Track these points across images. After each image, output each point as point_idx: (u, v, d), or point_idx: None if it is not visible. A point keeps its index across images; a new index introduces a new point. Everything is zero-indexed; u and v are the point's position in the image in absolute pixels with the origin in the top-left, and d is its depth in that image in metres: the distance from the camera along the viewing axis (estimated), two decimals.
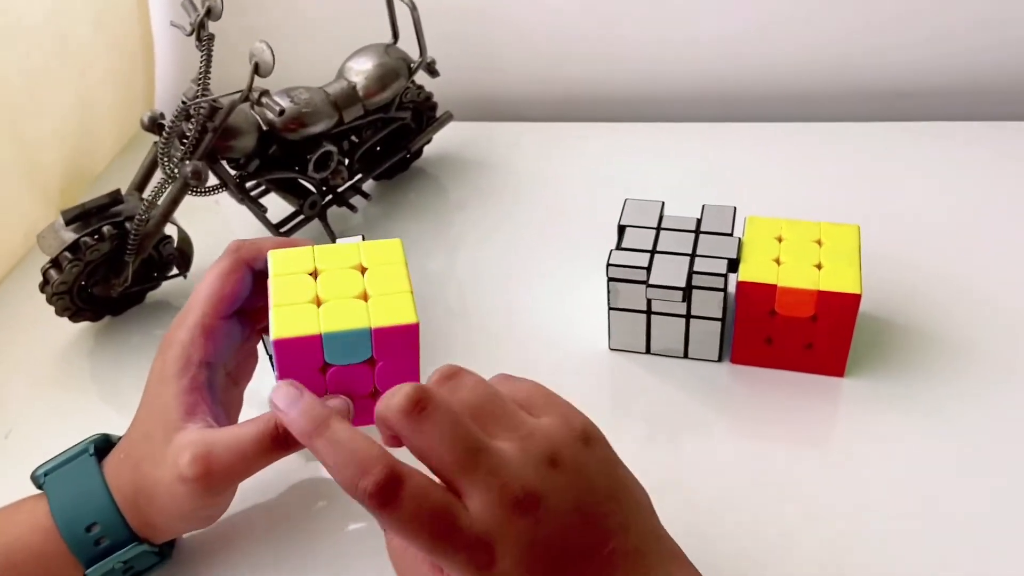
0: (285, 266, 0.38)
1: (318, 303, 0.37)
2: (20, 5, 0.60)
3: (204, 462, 0.35)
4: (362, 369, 0.37)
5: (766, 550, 0.40)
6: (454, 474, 0.29)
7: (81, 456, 0.39)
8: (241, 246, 0.40)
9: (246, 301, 0.41)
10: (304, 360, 0.36)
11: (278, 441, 0.35)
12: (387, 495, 0.28)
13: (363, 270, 0.38)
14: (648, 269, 0.46)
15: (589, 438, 0.32)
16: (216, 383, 0.39)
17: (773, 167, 0.65)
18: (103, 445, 0.40)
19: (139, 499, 0.37)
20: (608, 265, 0.47)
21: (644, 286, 0.46)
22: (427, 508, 0.28)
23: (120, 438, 0.41)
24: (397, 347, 0.37)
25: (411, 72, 0.61)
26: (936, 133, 0.66)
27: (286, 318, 0.36)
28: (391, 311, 0.36)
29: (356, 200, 0.63)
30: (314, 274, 0.38)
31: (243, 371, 0.43)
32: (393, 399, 0.30)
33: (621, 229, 0.49)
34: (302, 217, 0.59)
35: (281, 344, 0.35)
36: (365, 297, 0.37)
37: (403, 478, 0.28)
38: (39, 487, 0.39)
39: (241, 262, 0.40)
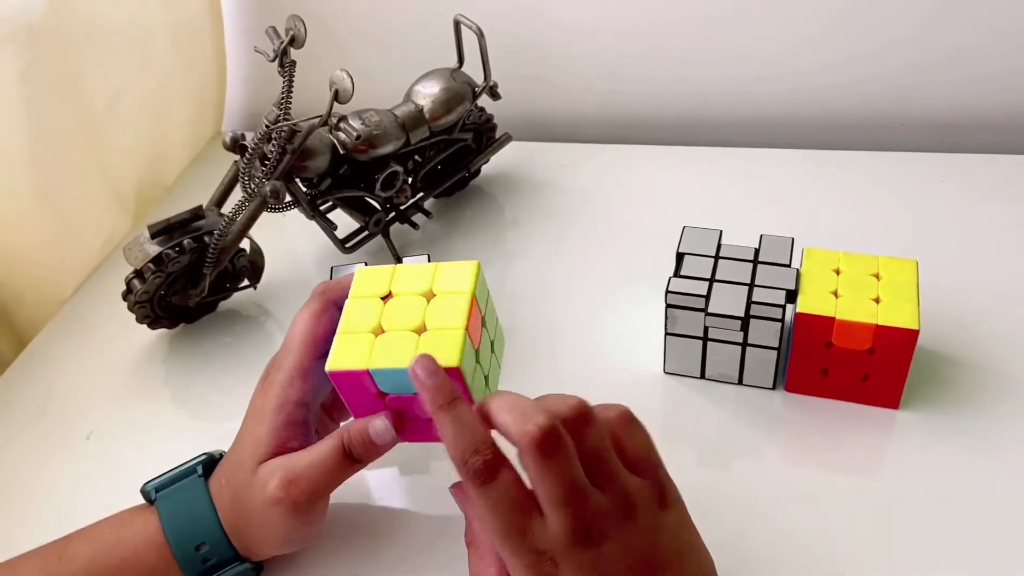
0: (365, 285, 0.41)
1: (379, 332, 0.39)
2: (105, 25, 0.63)
3: (291, 482, 0.38)
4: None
5: None
6: (549, 501, 0.33)
7: (190, 476, 0.41)
8: (327, 288, 0.42)
9: None
10: (360, 388, 0.39)
11: (349, 456, 0.39)
12: (488, 475, 0.33)
13: (431, 296, 0.40)
14: (707, 297, 0.47)
15: (669, 504, 0.35)
16: (311, 420, 0.42)
17: (831, 196, 0.66)
18: (209, 464, 0.42)
19: (239, 524, 0.40)
20: (667, 292, 0.48)
21: (702, 314, 0.47)
22: (512, 500, 0.33)
23: (222, 454, 0.43)
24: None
25: (475, 96, 0.63)
26: (997, 166, 0.66)
27: (342, 350, 0.38)
28: (438, 351, 0.37)
29: (417, 217, 0.65)
30: (387, 297, 0.40)
31: (337, 404, 0.45)
32: (527, 426, 0.33)
33: (680, 256, 0.51)
34: (366, 233, 0.62)
35: (334, 375, 0.38)
36: (423, 329, 0.38)
37: (504, 467, 0.33)
38: (148, 500, 0.41)
39: (329, 303, 0.42)
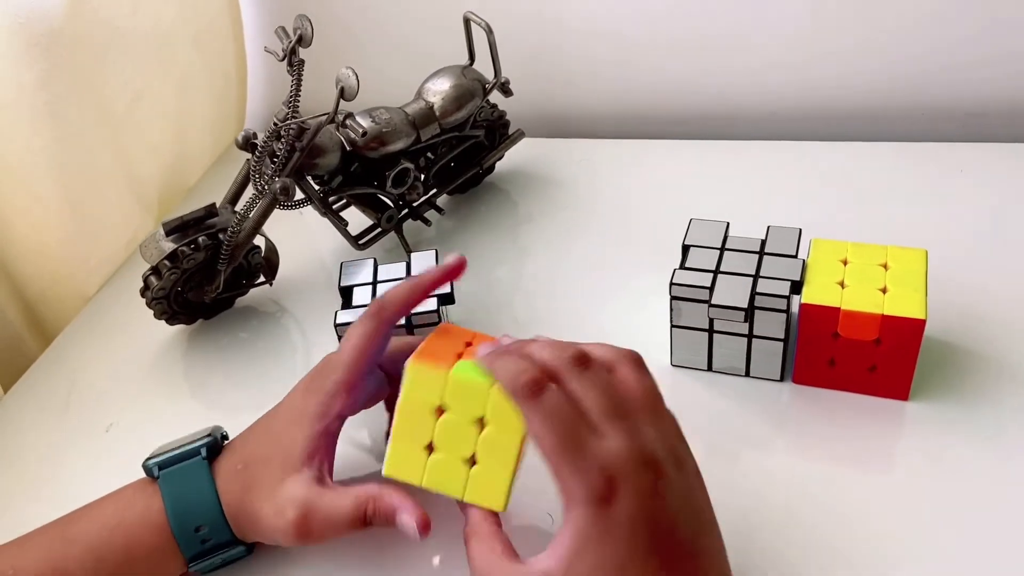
0: (418, 388, 0.39)
1: (430, 449, 0.39)
2: (125, 29, 0.65)
3: (304, 523, 0.39)
4: None
5: (823, 571, 0.40)
6: (602, 415, 0.34)
7: (195, 458, 0.42)
8: (383, 307, 0.42)
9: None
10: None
11: (366, 520, 0.40)
12: (536, 388, 0.34)
13: (483, 425, 0.38)
14: (711, 289, 0.47)
15: (684, 466, 0.36)
16: (339, 428, 0.43)
17: (841, 187, 0.65)
18: (213, 446, 0.43)
19: (241, 516, 0.41)
20: (671, 284, 0.48)
21: (706, 305, 0.47)
22: (565, 413, 0.33)
23: (225, 437, 0.44)
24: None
25: (486, 93, 0.64)
26: (1007, 154, 0.65)
27: (398, 458, 0.39)
28: (484, 491, 0.38)
29: (430, 214, 0.65)
30: (439, 410, 0.39)
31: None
32: (565, 353, 0.35)
33: (685, 249, 0.50)
34: (380, 230, 0.63)
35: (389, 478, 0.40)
36: (473, 461, 0.38)
37: (550, 384, 0.34)
38: (149, 474, 0.42)
39: (384, 323, 0.42)
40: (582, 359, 0.35)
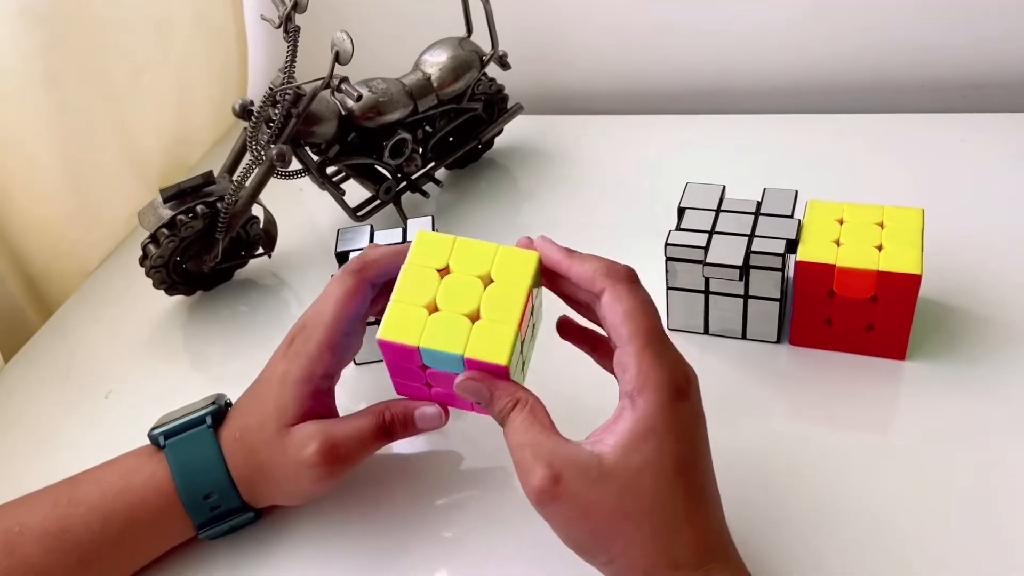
0: (424, 253, 0.40)
1: (432, 309, 0.38)
2: (126, 2, 0.65)
3: (330, 450, 0.39)
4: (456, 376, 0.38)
5: (824, 533, 0.40)
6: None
7: (200, 427, 0.42)
8: (365, 266, 0.41)
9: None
10: (405, 358, 0.39)
11: (387, 430, 0.41)
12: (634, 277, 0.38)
13: (489, 281, 0.39)
14: (706, 249, 0.47)
15: None
16: (334, 388, 0.43)
17: (839, 159, 0.65)
18: (217, 414, 0.42)
19: (255, 478, 0.41)
20: (666, 244, 0.48)
21: (701, 265, 0.47)
22: (656, 310, 0.37)
23: (229, 405, 0.44)
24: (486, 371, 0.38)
25: (483, 64, 0.64)
26: (1007, 124, 0.65)
27: (396, 320, 0.38)
28: (488, 345, 0.37)
29: (429, 187, 0.65)
30: (444, 271, 0.39)
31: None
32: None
33: (681, 211, 0.50)
34: (378, 202, 0.63)
35: (384, 345, 0.38)
36: (477, 316, 0.38)
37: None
38: (155, 444, 0.42)
39: (365, 282, 0.41)
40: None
